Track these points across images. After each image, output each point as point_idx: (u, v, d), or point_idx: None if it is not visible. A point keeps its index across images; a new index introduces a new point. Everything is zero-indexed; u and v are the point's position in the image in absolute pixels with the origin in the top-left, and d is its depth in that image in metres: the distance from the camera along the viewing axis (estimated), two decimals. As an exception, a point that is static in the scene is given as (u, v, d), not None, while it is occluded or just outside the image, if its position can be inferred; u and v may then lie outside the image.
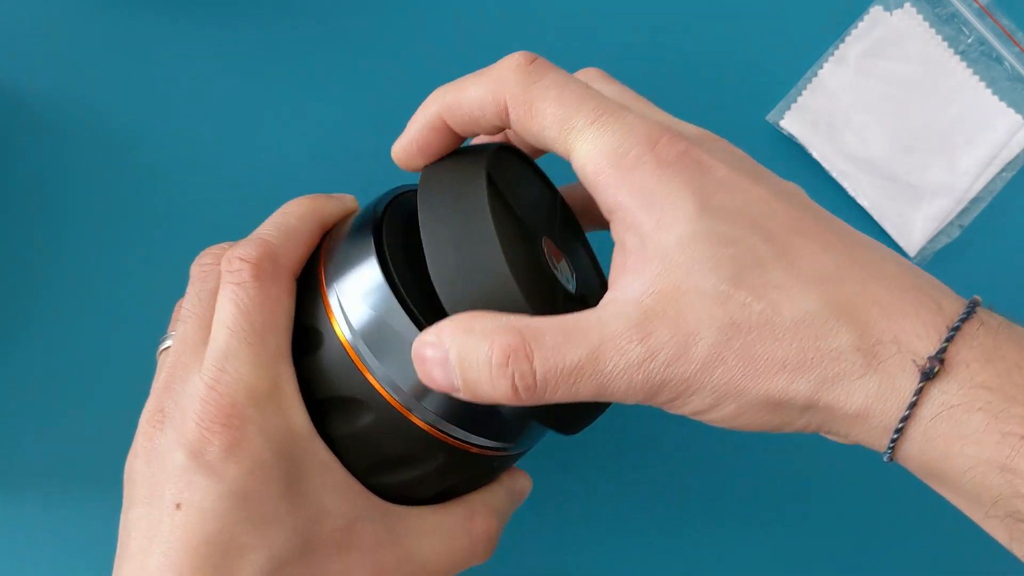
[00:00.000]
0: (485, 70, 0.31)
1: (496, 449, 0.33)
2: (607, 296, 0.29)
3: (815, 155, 0.46)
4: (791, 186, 0.31)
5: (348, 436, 0.31)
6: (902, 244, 0.46)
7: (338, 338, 0.31)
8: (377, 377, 0.31)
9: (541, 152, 0.35)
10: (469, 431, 0.32)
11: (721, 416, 0.28)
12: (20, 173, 0.45)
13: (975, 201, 0.46)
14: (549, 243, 0.33)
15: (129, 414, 0.44)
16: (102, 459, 0.44)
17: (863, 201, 0.46)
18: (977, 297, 0.28)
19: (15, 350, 0.44)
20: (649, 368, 0.27)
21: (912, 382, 0.27)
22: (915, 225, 0.46)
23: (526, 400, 0.28)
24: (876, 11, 0.47)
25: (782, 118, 0.46)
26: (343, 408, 0.31)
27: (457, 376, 0.29)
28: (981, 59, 0.47)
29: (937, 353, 0.27)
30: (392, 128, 0.45)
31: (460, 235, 0.29)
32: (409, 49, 0.47)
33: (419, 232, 0.30)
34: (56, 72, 0.45)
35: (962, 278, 0.46)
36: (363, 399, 0.31)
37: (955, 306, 0.28)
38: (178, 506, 0.29)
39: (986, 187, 0.46)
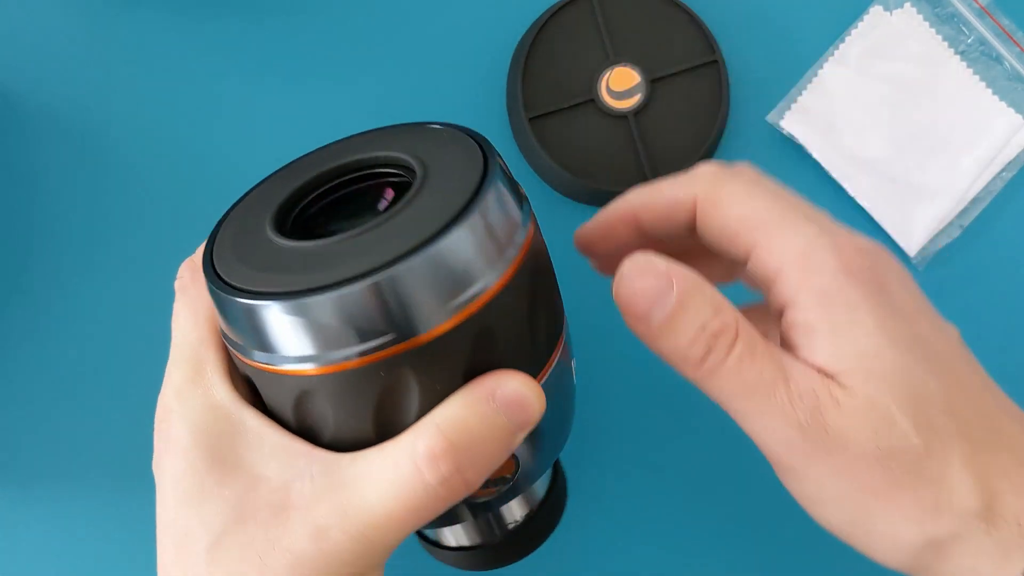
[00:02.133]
0: (681, 174, 0.33)
1: (389, 343, 0.28)
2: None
3: (815, 155, 0.46)
4: (950, 326, 0.32)
5: (270, 404, 0.31)
6: (902, 244, 0.46)
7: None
8: (238, 349, 0.30)
9: (722, 255, 0.34)
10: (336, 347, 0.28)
11: (834, 520, 0.30)
12: (15, 173, 0.45)
13: (975, 201, 0.46)
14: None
15: (128, 412, 0.44)
16: (100, 457, 0.44)
17: (863, 201, 0.46)
18: None
19: (12, 349, 0.44)
20: (805, 433, 0.29)
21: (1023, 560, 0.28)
22: (915, 225, 0.46)
23: (701, 374, 0.30)
24: (876, 11, 0.47)
25: (782, 118, 0.46)
26: (250, 382, 0.31)
27: (664, 311, 0.30)
28: (981, 59, 0.47)
29: None
30: (390, 121, 0.46)
31: None
32: (402, 48, 0.47)
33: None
34: (51, 72, 0.46)
35: (962, 278, 0.46)
36: (247, 374, 0.31)
37: None
38: (157, 504, 0.32)
39: (986, 187, 0.46)
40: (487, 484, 0.31)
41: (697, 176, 0.33)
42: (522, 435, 0.29)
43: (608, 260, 0.35)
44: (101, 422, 0.44)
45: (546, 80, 0.45)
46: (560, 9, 0.45)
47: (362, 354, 0.28)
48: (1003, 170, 0.46)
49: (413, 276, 0.27)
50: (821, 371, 0.29)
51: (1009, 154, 0.46)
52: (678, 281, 0.30)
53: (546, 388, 0.30)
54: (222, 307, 0.29)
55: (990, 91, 0.46)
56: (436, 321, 0.27)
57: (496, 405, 0.28)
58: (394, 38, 0.47)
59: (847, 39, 0.47)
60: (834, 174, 0.46)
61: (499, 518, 0.36)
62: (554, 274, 0.32)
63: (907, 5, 0.47)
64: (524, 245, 0.29)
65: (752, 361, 0.29)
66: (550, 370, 0.31)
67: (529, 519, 0.36)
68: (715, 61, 0.46)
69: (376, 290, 0.27)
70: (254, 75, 0.46)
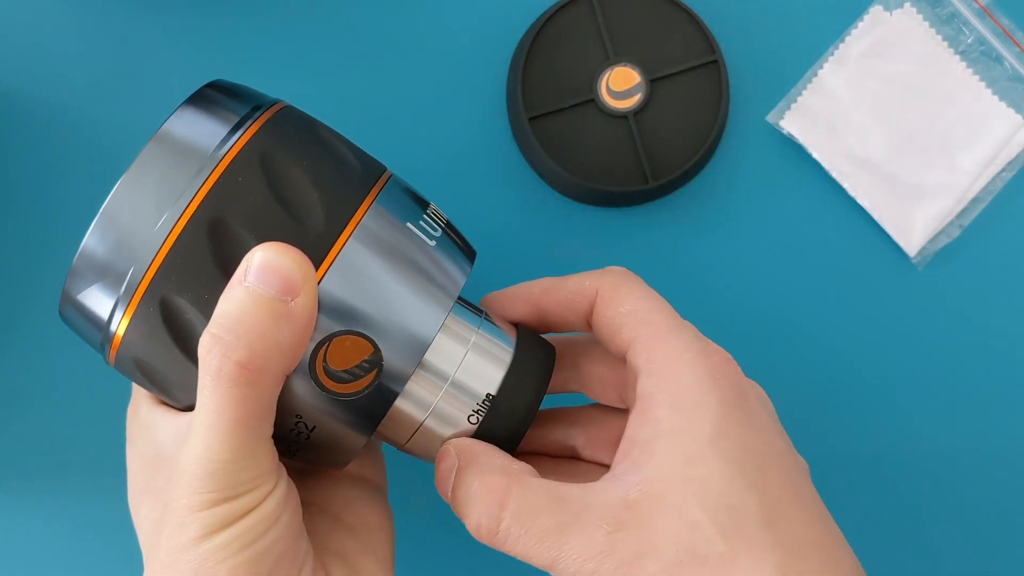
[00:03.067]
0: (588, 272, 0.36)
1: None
2: (605, 477, 0.32)
3: (815, 155, 0.46)
4: (800, 458, 0.34)
5: (154, 392, 0.33)
6: (902, 244, 0.46)
7: None
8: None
9: (606, 345, 0.35)
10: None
11: None
12: (15, 172, 0.45)
13: (975, 201, 0.46)
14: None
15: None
16: (100, 457, 0.44)
17: (863, 201, 0.46)
18: None
19: (12, 349, 0.44)
20: (602, 560, 0.30)
21: None
22: (915, 225, 0.46)
23: (485, 539, 0.31)
24: (876, 11, 0.47)
25: (782, 118, 0.46)
26: None
27: (449, 488, 0.32)
28: (981, 59, 0.47)
29: None
30: (389, 121, 0.46)
31: None
32: (401, 48, 0.47)
33: None
34: (52, 71, 0.46)
35: (962, 278, 0.46)
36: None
37: None
38: None
39: (986, 187, 0.46)
40: (353, 374, 0.31)
41: (607, 271, 0.35)
42: (303, 302, 0.29)
43: None
44: (100, 422, 0.44)
45: (546, 80, 0.45)
46: (560, 9, 0.46)
47: (124, 299, 0.30)
48: (1003, 170, 0.46)
49: (104, 226, 0.30)
50: (643, 480, 0.30)
51: (1009, 154, 0.46)
52: (458, 455, 0.32)
53: (355, 255, 0.30)
54: None
55: (990, 91, 0.46)
56: (154, 244, 0.29)
57: (250, 281, 0.28)
58: (394, 38, 0.47)
59: (847, 39, 0.47)
60: (834, 174, 0.46)
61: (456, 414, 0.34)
62: (335, 146, 0.33)
63: (907, 5, 0.47)
64: (238, 142, 0.30)
65: (532, 517, 0.30)
66: (349, 239, 0.31)
67: (492, 402, 0.34)
68: (715, 61, 0.46)
69: (88, 251, 0.30)
70: (253, 75, 0.46)
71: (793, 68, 0.47)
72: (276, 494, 0.30)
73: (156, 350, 0.30)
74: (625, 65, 0.45)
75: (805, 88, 0.46)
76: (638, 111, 0.45)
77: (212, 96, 0.32)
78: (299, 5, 0.47)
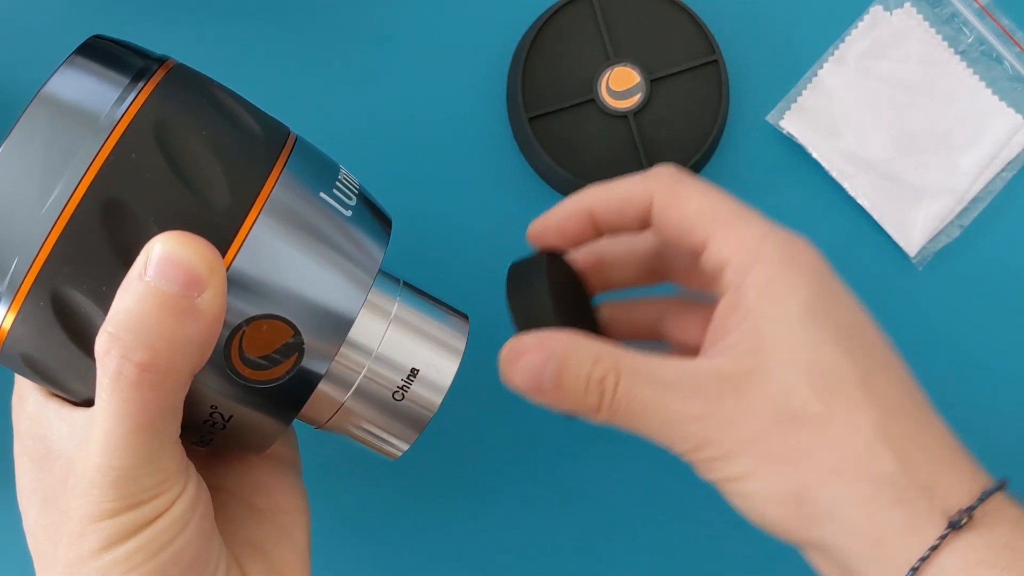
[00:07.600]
0: (638, 174, 0.36)
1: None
2: (700, 356, 0.33)
3: (815, 155, 0.46)
4: (887, 336, 0.34)
5: (44, 388, 0.31)
6: (902, 244, 0.46)
7: None
8: None
9: (677, 247, 0.36)
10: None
11: (748, 490, 0.31)
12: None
13: (975, 201, 0.46)
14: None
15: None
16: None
17: (863, 201, 0.46)
18: (1005, 479, 0.31)
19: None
20: (703, 423, 0.31)
21: (937, 528, 0.29)
22: (915, 225, 0.46)
23: (604, 416, 0.32)
24: (876, 11, 0.47)
25: (782, 118, 0.46)
26: None
27: (550, 378, 0.32)
28: (981, 59, 0.47)
29: (968, 508, 0.29)
30: (390, 121, 0.46)
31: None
32: (401, 48, 0.47)
33: None
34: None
35: (962, 278, 0.46)
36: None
37: (987, 476, 0.31)
38: None
39: (986, 187, 0.46)
40: (272, 360, 0.29)
41: (656, 174, 0.35)
42: (210, 296, 0.26)
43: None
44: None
45: (546, 80, 0.45)
46: (560, 9, 0.46)
47: (7, 293, 0.27)
48: (1003, 170, 0.46)
49: None
50: (737, 355, 0.32)
51: (1009, 154, 0.46)
52: (553, 347, 0.33)
53: (266, 232, 0.28)
54: None
55: (990, 91, 0.46)
56: (41, 230, 0.26)
57: (150, 276, 0.26)
58: (394, 38, 0.47)
59: (847, 39, 0.47)
60: (834, 174, 0.46)
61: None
62: (233, 108, 0.30)
63: (907, 5, 0.47)
64: (130, 108, 0.28)
65: (641, 387, 0.32)
66: (259, 215, 0.28)
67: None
68: (715, 61, 0.46)
69: None
70: (252, 76, 0.46)
71: (793, 68, 0.47)
72: (184, 498, 0.28)
73: (48, 346, 0.28)
74: (625, 65, 0.45)
75: (805, 88, 0.47)
76: (638, 111, 0.45)
77: (97, 53, 0.29)
78: (300, 6, 0.47)
